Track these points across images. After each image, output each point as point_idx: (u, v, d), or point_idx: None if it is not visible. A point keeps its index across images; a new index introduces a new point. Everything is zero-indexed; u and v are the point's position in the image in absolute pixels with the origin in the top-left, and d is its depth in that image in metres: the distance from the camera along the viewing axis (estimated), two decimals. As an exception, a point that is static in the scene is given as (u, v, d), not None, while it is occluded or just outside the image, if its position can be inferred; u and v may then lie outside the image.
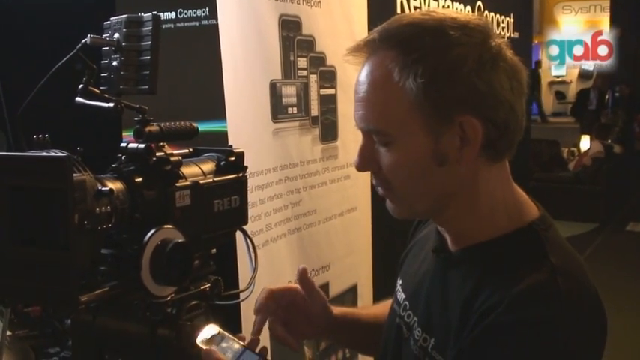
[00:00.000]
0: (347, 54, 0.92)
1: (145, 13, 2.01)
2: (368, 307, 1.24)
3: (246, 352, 0.98)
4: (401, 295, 1.08)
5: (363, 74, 0.90)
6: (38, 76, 0.96)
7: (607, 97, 9.92)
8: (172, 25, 2.67)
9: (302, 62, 2.00)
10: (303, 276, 1.12)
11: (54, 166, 0.78)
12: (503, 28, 3.56)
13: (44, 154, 0.82)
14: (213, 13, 2.45)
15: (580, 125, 9.94)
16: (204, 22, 2.56)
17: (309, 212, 2.08)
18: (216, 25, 2.27)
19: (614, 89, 9.87)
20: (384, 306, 1.17)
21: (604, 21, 11.12)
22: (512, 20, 3.66)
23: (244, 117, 1.78)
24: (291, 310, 1.13)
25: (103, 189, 0.86)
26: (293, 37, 1.95)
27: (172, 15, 2.61)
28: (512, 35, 3.69)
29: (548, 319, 0.81)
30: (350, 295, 2.31)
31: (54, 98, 0.99)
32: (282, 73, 1.91)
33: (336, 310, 1.17)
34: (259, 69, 1.83)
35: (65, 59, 0.92)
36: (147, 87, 0.90)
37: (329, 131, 2.16)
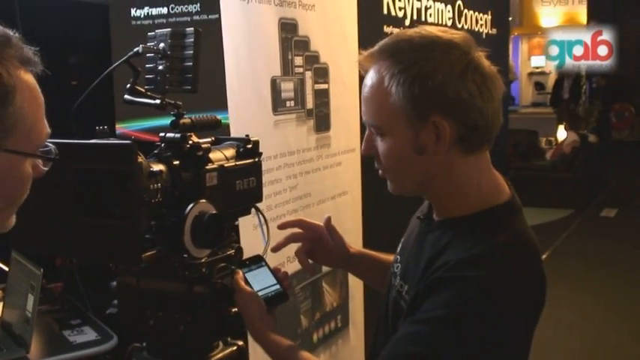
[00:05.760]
0: (358, 60, 1.13)
1: (138, 9, 2.28)
2: (388, 254, 1.48)
3: (276, 286, 1.27)
4: (399, 248, 1.31)
5: (367, 78, 1.12)
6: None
7: (584, 87, 10.09)
8: (165, 21, 2.80)
9: (298, 60, 2.16)
10: (328, 222, 1.42)
11: (124, 151, 0.98)
12: (481, 25, 3.73)
13: (112, 141, 1.03)
14: (205, 9, 2.58)
15: (557, 115, 10.11)
16: (196, 18, 2.68)
17: (304, 195, 2.25)
18: (209, 20, 2.42)
19: (591, 80, 10.07)
20: None
21: (582, 13, 11.29)
22: (489, 17, 3.86)
23: (248, 109, 1.97)
24: (315, 242, 1.41)
25: (154, 169, 1.07)
26: (291, 38, 2.12)
27: (164, 10, 2.73)
28: (489, 32, 3.88)
29: (473, 280, 1.02)
30: (341, 272, 2.51)
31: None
32: (281, 70, 2.09)
33: (353, 249, 1.46)
34: (262, 67, 2.01)
35: (118, 63, 1.12)
36: (190, 87, 1.11)
37: (322, 122, 2.33)
